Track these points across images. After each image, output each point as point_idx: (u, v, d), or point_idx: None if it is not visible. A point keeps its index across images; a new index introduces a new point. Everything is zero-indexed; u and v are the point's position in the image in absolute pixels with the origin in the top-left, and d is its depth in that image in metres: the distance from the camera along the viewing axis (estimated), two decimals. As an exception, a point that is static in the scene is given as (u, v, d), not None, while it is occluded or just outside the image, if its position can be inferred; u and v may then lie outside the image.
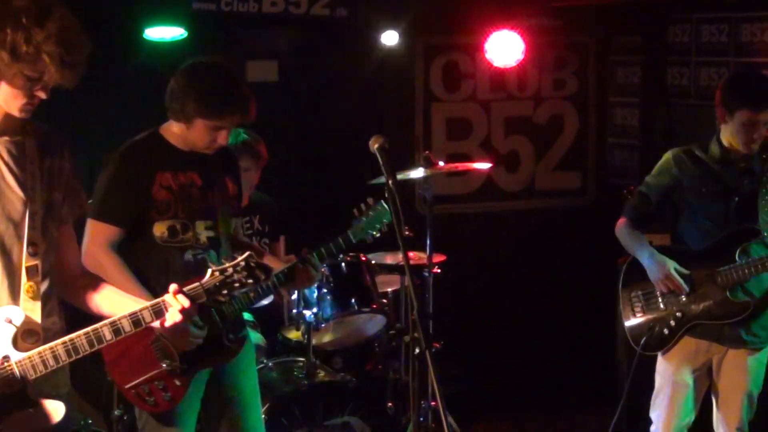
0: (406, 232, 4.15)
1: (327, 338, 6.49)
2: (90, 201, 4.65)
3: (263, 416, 5.80)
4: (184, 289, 3.78)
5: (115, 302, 3.92)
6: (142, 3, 6.47)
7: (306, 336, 6.15)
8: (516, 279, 8.23)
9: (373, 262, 6.44)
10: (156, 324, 3.80)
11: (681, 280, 5.39)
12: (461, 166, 7.19)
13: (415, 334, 4.02)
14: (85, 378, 6.01)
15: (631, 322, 5.71)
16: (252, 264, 3.85)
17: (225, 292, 3.84)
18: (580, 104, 8.77)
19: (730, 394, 5.59)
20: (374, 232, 5.24)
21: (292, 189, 7.18)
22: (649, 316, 5.65)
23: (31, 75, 3.56)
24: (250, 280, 3.85)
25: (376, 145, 4.23)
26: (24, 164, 3.74)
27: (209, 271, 3.82)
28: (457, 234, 7.26)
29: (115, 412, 6.25)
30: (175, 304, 3.75)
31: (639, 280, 5.64)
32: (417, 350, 4.10)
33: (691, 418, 5.66)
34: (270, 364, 6.30)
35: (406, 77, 8.25)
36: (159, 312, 3.76)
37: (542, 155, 8.70)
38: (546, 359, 8.04)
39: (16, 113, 3.66)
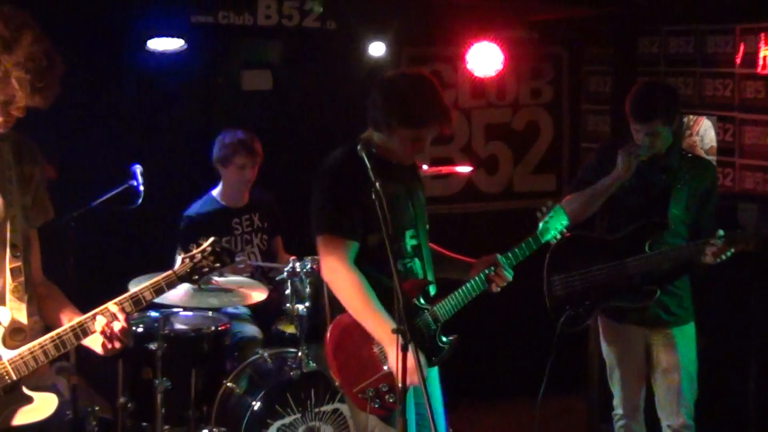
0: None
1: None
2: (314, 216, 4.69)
3: (259, 403, 5.90)
4: (161, 278, 3.80)
5: (62, 313, 3.88)
6: (145, 16, 6.47)
7: (299, 328, 6.19)
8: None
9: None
10: None
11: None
12: (444, 169, 7.26)
13: (401, 327, 4.02)
14: (93, 369, 6.06)
15: (553, 302, 5.87)
16: (218, 249, 3.92)
17: (196, 277, 3.86)
18: (555, 112, 8.81)
19: (667, 374, 5.68)
20: (557, 234, 5.14)
21: (284, 190, 7.18)
22: (568, 296, 5.80)
23: (2, 99, 3.54)
24: (217, 264, 3.90)
25: (364, 150, 4.29)
26: (2, 169, 3.74)
27: (179, 259, 3.89)
28: (441, 233, 7.28)
29: (121, 400, 6.28)
30: (120, 317, 3.73)
31: (561, 266, 5.79)
32: (402, 341, 4.11)
33: (640, 388, 5.78)
34: (266, 354, 6.33)
35: (392, 85, 8.27)
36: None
37: (520, 159, 8.75)
38: (524, 346, 8.06)
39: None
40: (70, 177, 6.44)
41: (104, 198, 6.25)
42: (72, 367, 6.33)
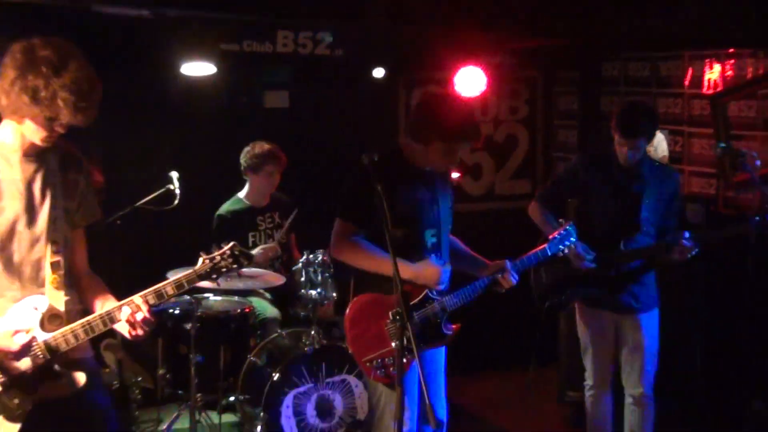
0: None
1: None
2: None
3: (278, 374, 5.85)
4: (182, 276, 3.74)
5: (101, 301, 3.85)
6: (180, 44, 6.45)
7: (312, 311, 6.16)
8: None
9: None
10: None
11: (585, 255, 5.46)
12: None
13: (399, 309, 3.99)
14: (136, 345, 6.02)
15: (539, 290, 5.86)
16: (236, 252, 3.81)
17: (214, 276, 3.79)
18: (530, 126, 8.78)
19: (633, 352, 5.65)
20: (565, 249, 5.12)
21: (299, 192, 7.16)
22: (552, 285, 5.79)
23: (49, 115, 3.52)
24: (235, 265, 3.80)
25: (367, 159, 4.23)
26: (47, 177, 3.72)
27: (200, 259, 3.79)
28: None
29: (160, 371, 6.27)
30: (143, 308, 3.69)
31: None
32: (400, 322, 4.10)
33: (609, 363, 5.75)
34: (283, 333, 6.33)
35: (391, 103, 8.24)
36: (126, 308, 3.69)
37: (500, 166, 8.72)
38: (504, 327, 8.04)
39: (38, 143, 3.65)
40: (116, 182, 6.42)
41: (146, 200, 6.30)
42: (118, 344, 6.35)
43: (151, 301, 3.72)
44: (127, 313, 3.67)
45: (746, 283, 6.41)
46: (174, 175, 6.21)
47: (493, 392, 7.62)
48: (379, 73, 7.40)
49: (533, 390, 5.96)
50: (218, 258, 3.80)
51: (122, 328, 3.73)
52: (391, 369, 4.54)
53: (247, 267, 3.91)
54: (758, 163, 5.40)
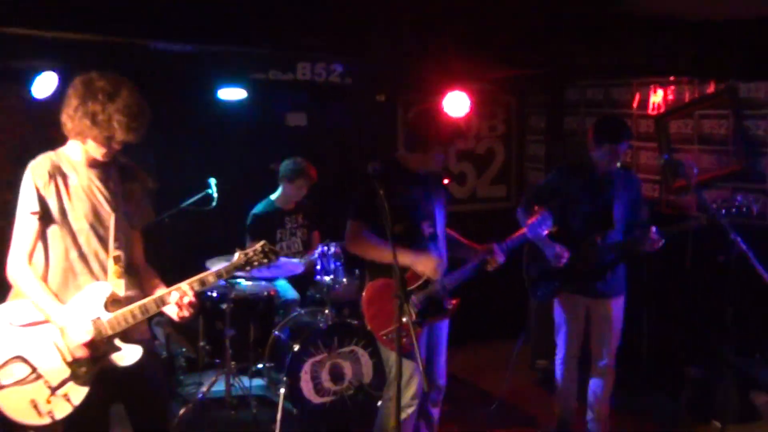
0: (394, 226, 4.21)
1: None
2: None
3: (298, 346, 5.88)
4: (222, 268, 3.82)
5: (154, 291, 3.89)
6: (217, 73, 6.47)
7: (326, 293, 6.19)
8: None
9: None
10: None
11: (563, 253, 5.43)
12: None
13: (398, 293, 4.03)
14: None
15: (530, 282, 5.83)
16: (266, 249, 3.90)
17: (247, 268, 3.88)
18: (506, 141, 8.78)
19: (600, 330, 5.63)
20: (543, 232, 5.12)
21: (318, 197, 7.18)
22: (541, 278, 5.74)
23: (106, 135, 3.62)
24: (265, 260, 3.89)
25: (371, 167, 4.28)
26: (109, 186, 3.80)
27: (236, 254, 3.88)
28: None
29: (201, 343, 6.30)
30: (189, 293, 3.77)
31: (536, 255, 5.69)
32: (398, 302, 4.14)
33: (580, 340, 5.72)
34: (303, 311, 6.36)
35: (391, 122, 8.24)
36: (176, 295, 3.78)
37: (481, 174, 8.72)
38: (485, 307, 8.04)
39: (100, 158, 3.74)
40: (165, 187, 6.39)
41: (189, 202, 6.32)
42: (166, 321, 6.36)
43: (196, 288, 3.79)
44: (176, 297, 3.74)
45: (684, 269, 6.48)
46: (212, 181, 6.23)
47: (475, 360, 7.64)
48: (381, 97, 7.45)
49: (515, 358, 5.98)
50: (251, 253, 3.88)
51: (170, 311, 3.80)
52: (404, 340, 4.49)
53: (274, 263, 3.98)
54: (696, 171, 5.38)
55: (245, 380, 6.32)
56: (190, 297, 3.76)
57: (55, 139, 3.83)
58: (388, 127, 8.23)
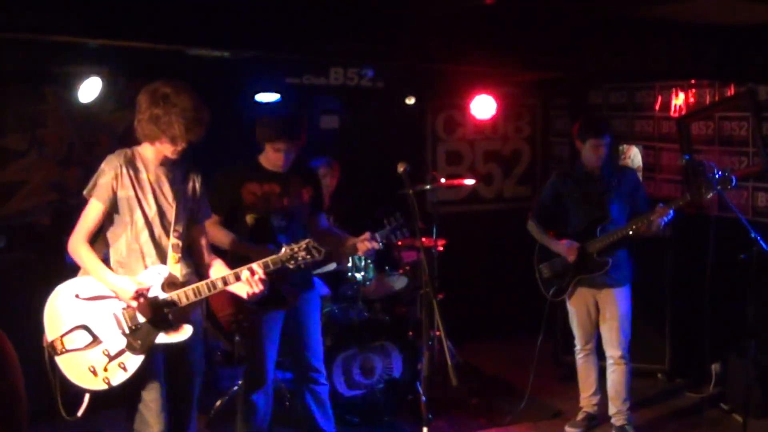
0: (420, 224, 4.23)
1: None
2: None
3: (330, 342, 5.88)
4: (269, 259, 4.03)
5: (217, 272, 4.13)
6: (253, 78, 6.51)
7: (357, 290, 6.20)
8: (490, 254, 8.23)
9: (399, 243, 6.46)
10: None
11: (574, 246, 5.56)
12: (456, 182, 7.25)
13: (426, 289, 4.04)
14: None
15: (542, 281, 5.89)
16: (311, 246, 4.09)
17: (292, 262, 4.07)
18: (532, 142, 8.76)
19: (609, 321, 5.67)
20: (394, 236, 4.98)
21: (349, 195, 7.20)
22: (552, 277, 5.81)
23: (170, 136, 3.87)
24: (308, 257, 4.07)
25: (401, 169, 4.29)
26: (174, 182, 4.08)
27: (283, 249, 4.06)
28: (453, 226, 7.25)
29: (236, 338, 6.31)
30: (258, 272, 3.98)
31: (545, 255, 5.81)
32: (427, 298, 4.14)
33: (594, 328, 5.77)
34: (335, 307, 6.34)
35: (420, 125, 8.28)
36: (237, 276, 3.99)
37: (507, 175, 8.71)
38: (510, 306, 8.04)
39: (170, 155, 3.99)
40: (210, 186, 6.50)
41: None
42: (203, 316, 6.40)
43: (265, 268, 4.01)
44: (246, 275, 3.95)
45: (707, 264, 6.43)
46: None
47: (500, 355, 7.63)
48: (410, 100, 7.43)
49: (536, 354, 5.97)
50: (296, 248, 4.07)
51: (240, 289, 4.01)
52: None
53: (318, 259, 4.14)
54: (716, 171, 5.39)
55: (279, 373, 6.28)
56: (260, 274, 3.97)
57: (98, 142, 3.94)
58: (417, 130, 8.25)
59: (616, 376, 5.70)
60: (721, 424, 6.01)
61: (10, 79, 6.33)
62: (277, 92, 6.63)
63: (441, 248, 6.73)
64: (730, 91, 6.57)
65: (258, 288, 3.96)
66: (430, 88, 7.55)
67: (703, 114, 6.82)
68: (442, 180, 6.82)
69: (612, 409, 5.78)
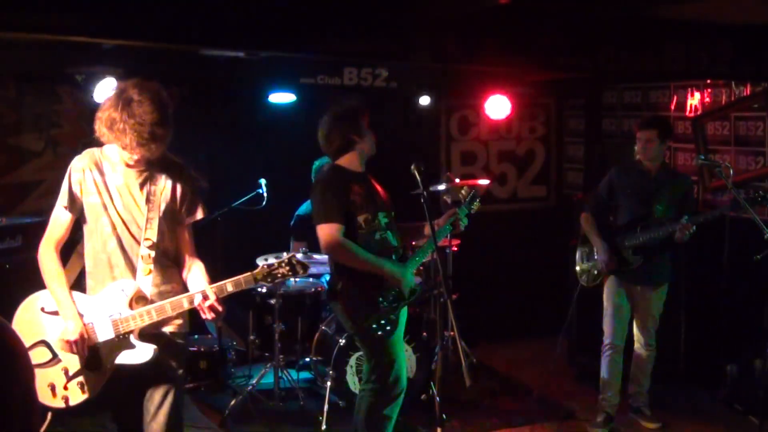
0: (435, 224, 4.21)
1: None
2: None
3: (343, 340, 5.84)
4: (242, 277, 3.62)
5: (193, 280, 3.76)
6: (268, 78, 6.52)
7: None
8: (505, 253, 8.21)
9: (413, 243, 6.44)
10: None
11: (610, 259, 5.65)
12: (470, 182, 7.19)
13: (441, 289, 4.01)
14: (233, 317, 6.10)
15: (578, 267, 6.00)
16: (294, 262, 3.70)
17: (269, 280, 3.67)
18: (546, 142, 8.72)
19: (643, 317, 5.76)
20: (472, 208, 5.06)
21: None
22: (587, 265, 5.91)
23: (120, 145, 3.52)
24: (291, 273, 3.68)
25: (416, 169, 4.28)
26: (146, 185, 3.68)
27: (260, 266, 3.68)
28: (468, 226, 7.24)
29: (251, 337, 6.34)
30: (211, 297, 3.56)
31: (586, 243, 5.91)
32: (442, 299, 4.11)
33: (625, 327, 5.76)
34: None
35: (435, 125, 8.25)
36: (205, 297, 3.58)
37: (522, 175, 8.67)
38: (524, 304, 8.03)
39: (127, 161, 3.64)
40: (217, 186, 6.48)
41: (241, 201, 6.34)
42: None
43: (217, 293, 3.59)
44: (198, 300, 3.57)
45: (722, 267, 6.38)
46: (262, 181, 6.25)
47: (514, 356, 7.58)
48: (425, 100, 7.41)
49: (557, 354, 5.96)
50: (275, 265, 3.68)
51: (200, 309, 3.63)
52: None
53: (302, 276, 3.82)
54: (731, 172, 5.39)
55: (293, 373, 6.33)
56: (211, 300, 3.56)
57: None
58: (431, 129, 8.23)
59: (643, 355, 5.82)
60: (737, 425, 5.96)
61: (26, 79, 6.36)
62: (291, 92, 6.63)
63: (455, 248, 6.71)
64: (746, 91, 6.53)
65: (209, 316, 3.58)
66: (444, 88, 7.54)
67: (719, 114, 6.78)
68: (457, 180, 6.80)
69: (632, 389, 5.90)
